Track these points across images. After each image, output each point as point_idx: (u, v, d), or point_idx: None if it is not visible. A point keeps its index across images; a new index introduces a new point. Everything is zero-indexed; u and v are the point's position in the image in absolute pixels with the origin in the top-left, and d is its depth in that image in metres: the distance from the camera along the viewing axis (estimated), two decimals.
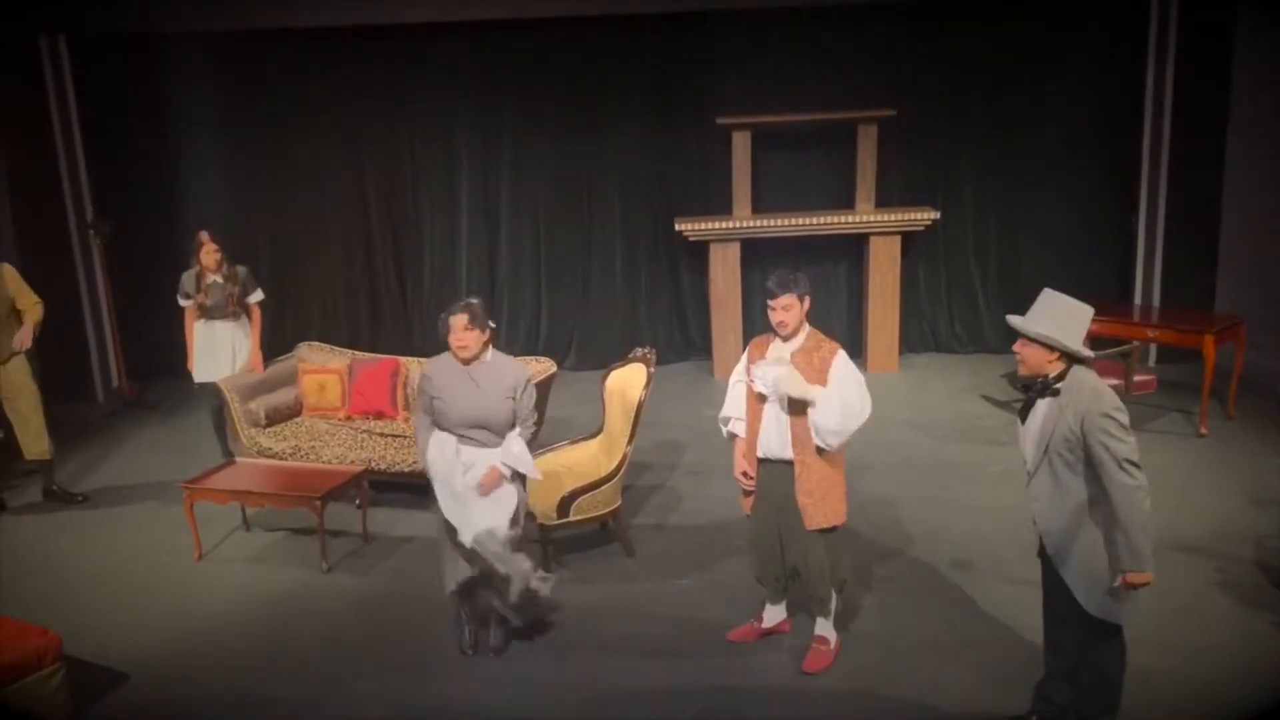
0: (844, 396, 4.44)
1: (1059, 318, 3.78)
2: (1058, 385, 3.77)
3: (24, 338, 6.68)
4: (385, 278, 9.89)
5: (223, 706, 4.74)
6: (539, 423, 4.98)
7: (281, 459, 6.74)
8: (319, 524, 5.94)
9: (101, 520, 6.83)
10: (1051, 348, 3.76)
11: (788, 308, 4.48)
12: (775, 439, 4.58)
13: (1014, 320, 3.87)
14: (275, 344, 9.31)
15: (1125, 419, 3.68)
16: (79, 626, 5.18)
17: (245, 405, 7.04)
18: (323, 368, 7.41)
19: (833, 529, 4.66)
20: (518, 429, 4.82)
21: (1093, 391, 3.71)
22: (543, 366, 7.12)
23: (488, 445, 4.77)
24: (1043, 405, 3.83)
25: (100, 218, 9.05)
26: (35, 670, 4.44)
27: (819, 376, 4.47)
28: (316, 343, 7.88)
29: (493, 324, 4.85)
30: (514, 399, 4.75)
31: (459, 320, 4.68)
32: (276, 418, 7.17)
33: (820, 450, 4.52)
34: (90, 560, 6.25)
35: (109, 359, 9.37)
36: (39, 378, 6.99)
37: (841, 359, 4.52)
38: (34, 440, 6.84)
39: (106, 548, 6.42)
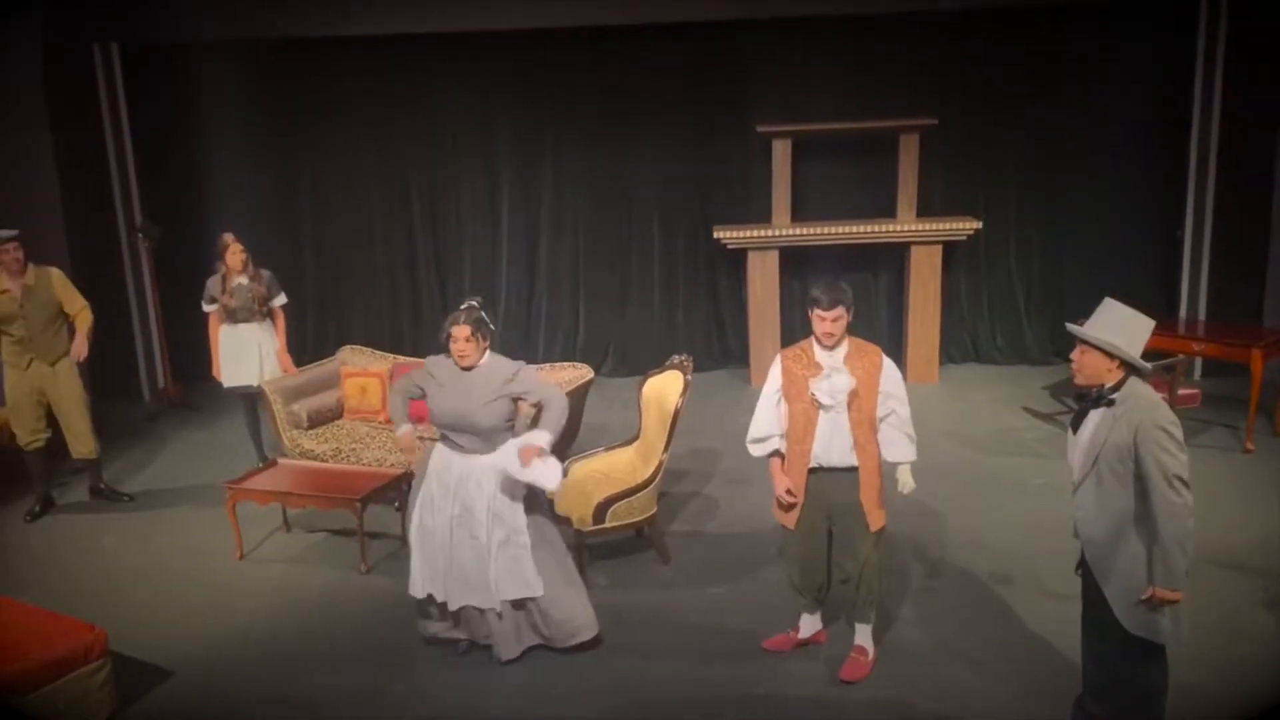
0: (905, 415, 4.65)
1: (1120, 325, 3.74)
2: (1113, 395, 3.73)
3: (79, 349, 6.79)
4: (427, 283, 9.99)
5: (263, 704, 4.80)
6: (567, 420, 4.88)
7: (322, 461, 6.82)
8: (358, 525, 6.00)
9: (146, 519, 6.95)
10: (1111, 356, 3.71)
11: (838, 319, 4.52)
12: (837, 447, 4.60)
13: (1074, 328, 3.82)
14: (318, 347, 9.49)
15: (1180, 434, 3.63)
16: (124, 623, 5.28)
17: (288, 407, 7.14)
18: (364, 371, 7.49)
19: (884, 527, 4.76)
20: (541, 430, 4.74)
21: (1149, 404, 3.67)
22: (579, 373, 7.16)
23: (473, 451, 4.75)
24: (1095, 415, 3.79)
25: (148, 222, 9.22)
26: (82, 665, 4.52)
27: (870, 380, 4.57)
28: (359, 346, 7.98)
29: (492, 327, 4.88)
30: (507, 397, 4.73)
31: (462, 331, 4.68)
32: (318, 420, 7.27)
33: (875, 451, 4.67)
34: (135, 558, 6.37)
35: (155, 360, 9.53)
36: (87, 379, 7.13)
37: (888, 363, 4.65)
38: (80, 440, 6.98)
39: (151, 546, 6.53)
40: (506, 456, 4.65)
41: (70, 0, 8.50)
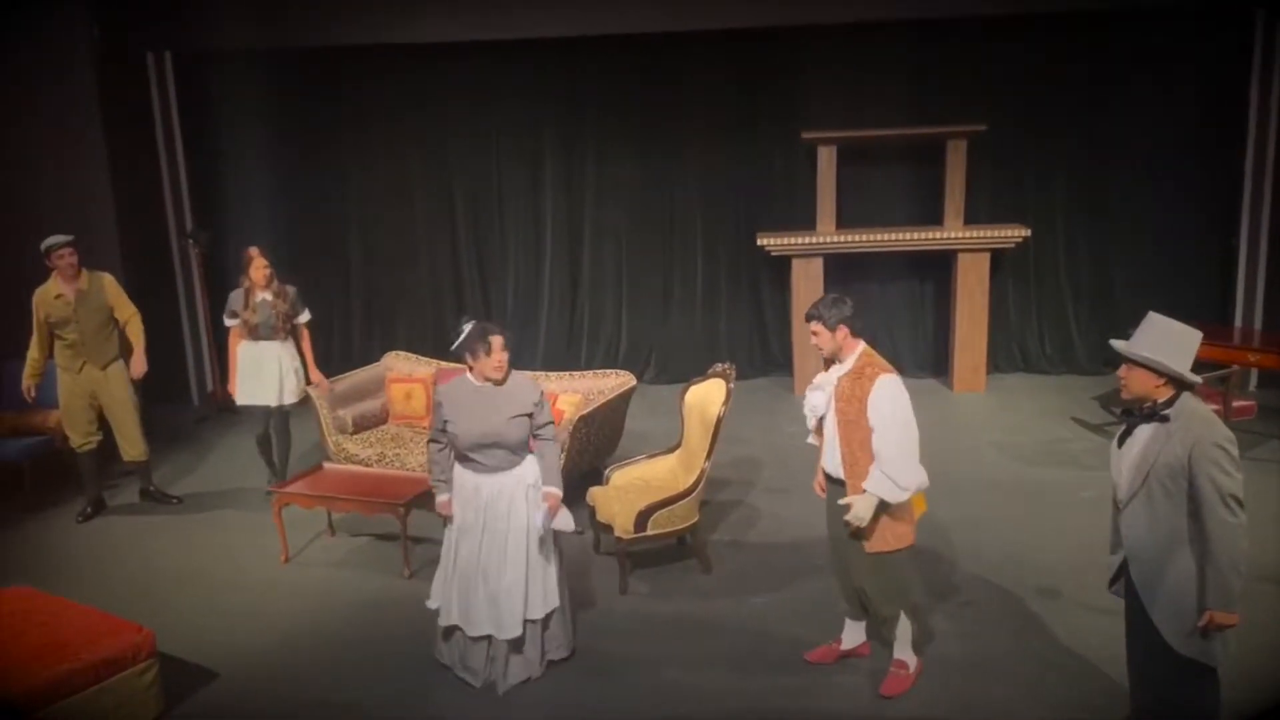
0: (889, 465, 4.33)
1: (1165, 341, 3.65)
2: (1166, 411, 3.63)
3: (138, 365, 6.98)
4: (471, 289, 10.05)
5: (306, 708, 4.84)
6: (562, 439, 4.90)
7: (367, 465, 6.88)
8: (402, 530, 6.05)
9: (193, 521, 7.05)
10: (1157, 372, 3.63)
11: (815, 334, 4.48)
12: (832, 458, 4.57)
13: (1119, 345, 3.73)
14: (363, 353, 9.60)
15: (1236, 452, 3.53)
16: (171, 624, 5.35)
17: (334, 412, 7.21)
18: (409, 377, 7.55)
19: (893, 552, 4.56)
20: (547, 473, 4.76)
21: (1204, 420, 3.58)
22: (622, 380, 7.16)
23: (501, 469, 4.70)
24: (1146, 430, 3.69)
25: (199, 228, 9.37)
26: (130, 665, 4.60)
27: (860, 404, 4.39)
28: (403, 352, 8.05)
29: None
30: (530, 416, 4.71)
31: (499, 340, 4.63)
32: (363, 424, 7.33)
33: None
34: (183, 560, 6.45)
35: (204, 365, 9.68)
36: (137, 382, 7.23)
37: (878, 391, 4.36)
38: (130, 444, 7.10)
39: (198, 548, 6.62)
40: (534, 500, 4.74)
41: (125, 10, 8.67)
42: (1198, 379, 3.66)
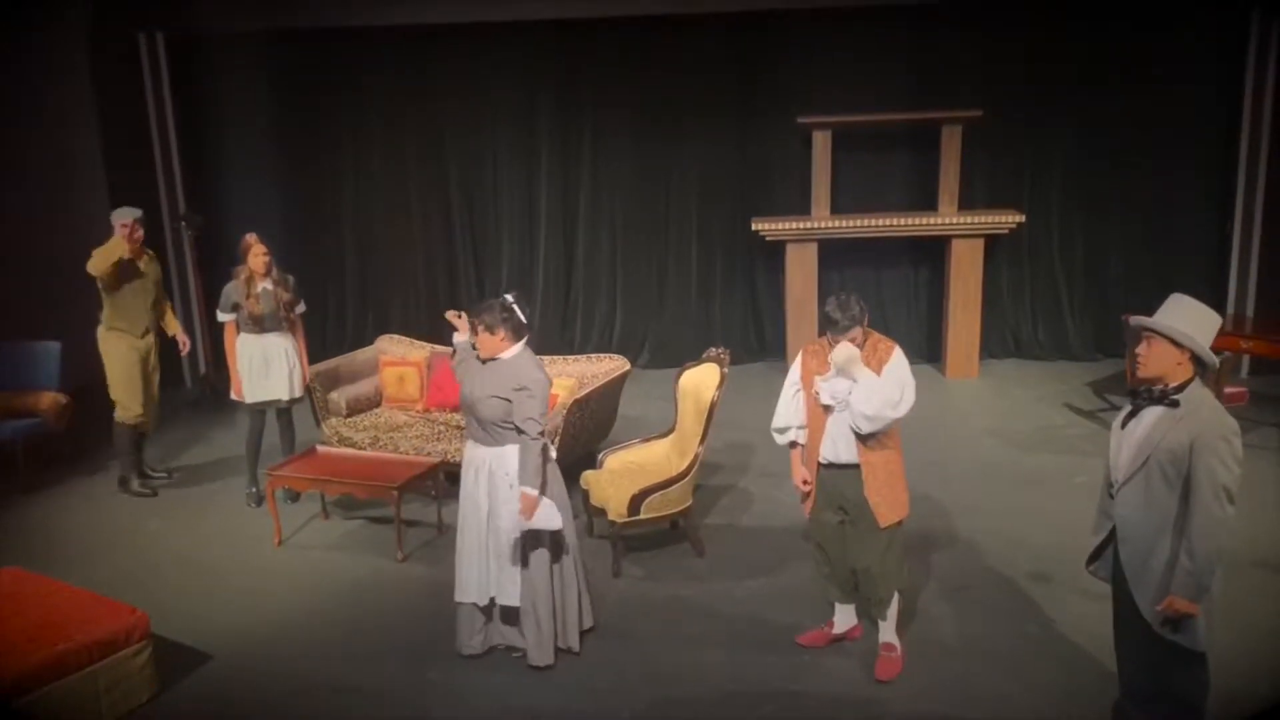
0: (885, 387, 4.43)
1: (1190, 319, 3.63)
2: (1177, 396, 3.61)
3: (184, 339, 7.26)
4: (465, 272, 10.03)
5: (298, 690, 4.84)
6: (543, 433, 4.64)
7: (360, 448, 6.87)
8: (396, 513, 6.04)
9: (187, 504, 7.04)
10: (1181, 348, 3.58)
11: (854, 339, 4.47)
12: (842, 444, 4.57)
13: (1143, 319, 3.66)
14: (356, 338, 9.57)
15: (1239, 446, 3.52)
16: (165, 606, 5.34)
17: (327, 395, 7.19)
18: (402, 360, 7.53)
19: (899, 524, 4.66)
20: (530, 484, 4.59)
21: (1214, 410, 3.56)
22: (616, 364, 7.16)
23: (476, 440, 4.74)
24: (1152, 413, 3.66)
25: (191, 211, 9.32)
26: (124, 647, 4.59)
27: (877, 369, 4.50)
28: (396, 335, 8.03)
29: (524, 320, 4.68)
30: (507, 399, 4.56)
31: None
32: (357, 408, 7.32)
33: (882, 447, 4.53)
34: (177, 542, 6.45)
35: (197, 348, 9.61)
36: None
37: (896, 355, 4.52)
38: (154, 412, 7.21)
39: (192, 530, 6.62)
40: (510, 503, 4.66)
41: None
42: (1216, 360, 3.65)
